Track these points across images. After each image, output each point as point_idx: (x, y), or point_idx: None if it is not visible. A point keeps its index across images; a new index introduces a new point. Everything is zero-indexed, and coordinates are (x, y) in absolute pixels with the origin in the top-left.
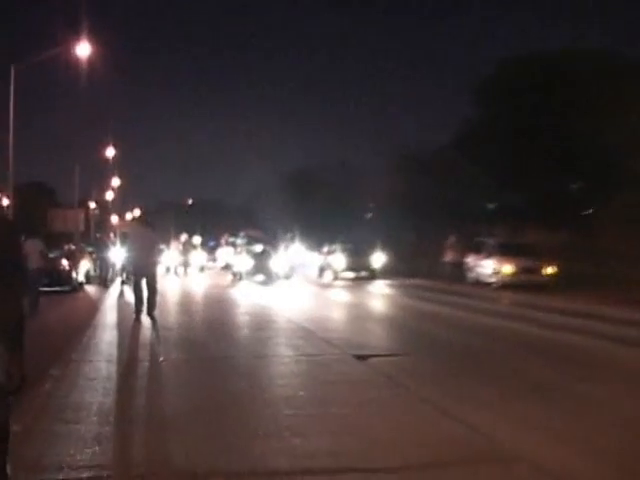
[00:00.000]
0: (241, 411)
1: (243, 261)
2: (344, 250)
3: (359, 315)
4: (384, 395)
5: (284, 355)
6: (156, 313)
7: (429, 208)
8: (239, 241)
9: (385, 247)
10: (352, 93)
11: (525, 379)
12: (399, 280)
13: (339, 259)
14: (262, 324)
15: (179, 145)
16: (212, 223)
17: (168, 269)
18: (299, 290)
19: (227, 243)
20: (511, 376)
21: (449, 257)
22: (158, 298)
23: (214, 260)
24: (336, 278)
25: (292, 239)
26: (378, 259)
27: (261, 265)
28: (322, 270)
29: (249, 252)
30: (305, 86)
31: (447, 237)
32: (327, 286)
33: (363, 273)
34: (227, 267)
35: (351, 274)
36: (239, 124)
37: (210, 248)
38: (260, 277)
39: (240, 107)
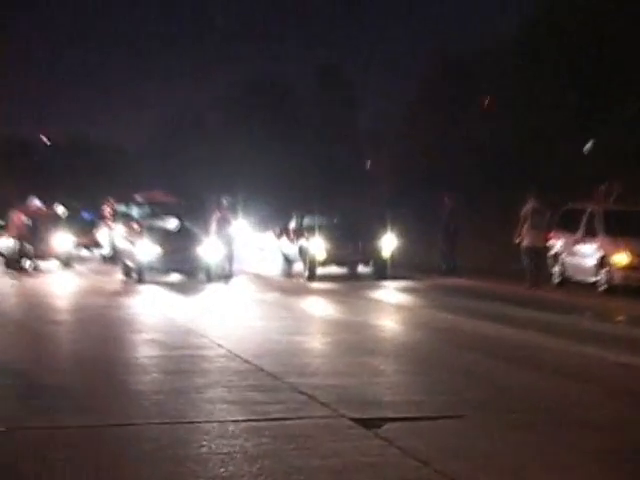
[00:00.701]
0: None
1: (144, 247)
2: (328, 228)
3: (359, 344)
4: None
5: (227, 420)
6: None
7: (482, 152)
8: (136, 211)
9: (400, 223)
10: None
11: None
12: (429, 280)
13: (319, 243)
14: (183, 362)
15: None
16: (89, 180)
17: (6, 261)
18: (247, 299)
19: (115, 215)
20: None
21: (526, 239)
22: None
23: (92, 245)
24: (313, 276)
25: (232, 209)
26: (388, 243)
27: (177, 254)
28: (288, 263)
29: (154, 231)
30: None
31: (520, 203)
32: (298, 291)
33: (362, 267)
34: (115, 258)
35: (341, 267)
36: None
37: (84, 224)
38: (175, 275)
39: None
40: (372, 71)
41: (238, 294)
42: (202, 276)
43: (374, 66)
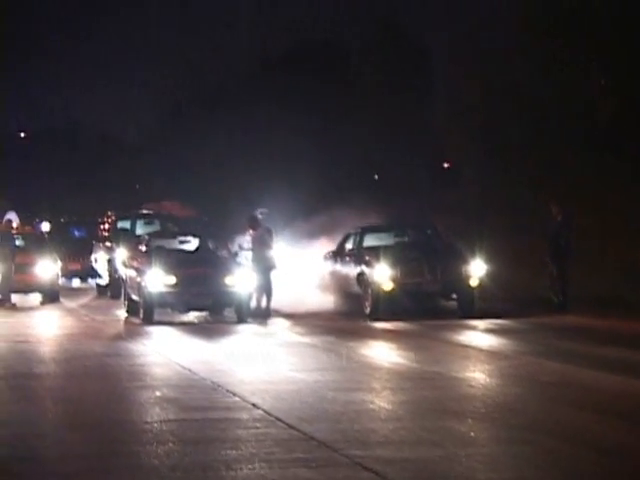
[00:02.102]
0: None
1: (153, 276)
2: (396, 249)
3: (440, 403)
4: None
5: None
6: None
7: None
8: (143, 228)
9: (490, 240)
10: None
11: None
12: (531, 317)
13: (384, 270)
14: (207, 428)
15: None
16: (80, 186)
17: None
18: (290, 344)
19: (113, 233)
20: None
21: None
22: None
23: (85, 273)
24: (377, 313)
25: (269, 226)
26: (475, 269)
27: (197, 285)
28: (344, 296)
29: (167, 254)
30: None
31: None
32: (357, 332)
33: (441, 301)
34: (116, 290)
35: (414, 301)
36: None
37: (75, 245)
38: (195, 313)
39: None
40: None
41: (278, 338)
42: (230, 314)
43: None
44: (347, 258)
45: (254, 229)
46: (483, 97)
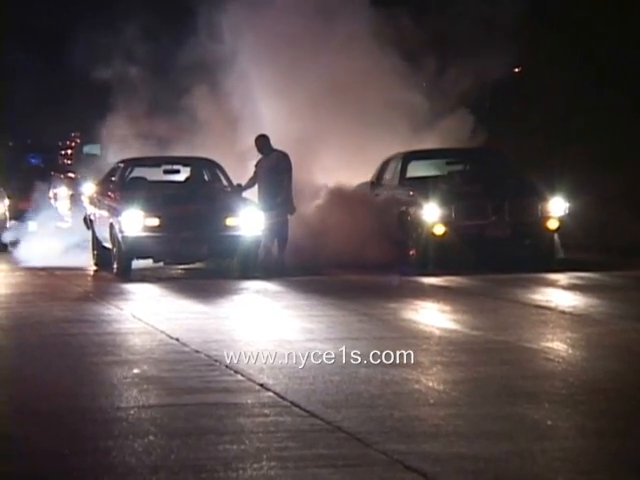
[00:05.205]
0: None
1: (129, 217)
2: (450, 182)
3: (508, 382)
4: None
5: None
6: None
7: None
8: (113, 154)
9: (574, 172)
10: None
11: None
12: (630, 269)
13: (434, 208)
14: (201, 416)
15: None
16: (35, 102)
17: None
18: (311, 305)
19: (78, 161)
20: None
21: None
22: None
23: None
24: (425, 263)
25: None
26: (555, 208)
27: (188, 228)
28: (381, 241)
29: (148, 189)
30: None
31: None
32: (399, 290)
33: (510, 246)
34: (81, 235)
35: (473, 249)
36: None
37: (30, 177)
38: (182, 263)
39: None
40: None
41: (294, 298)
42: (232, 267)
43: None
44: (385, 193)
45: (264, 153)
46: None
